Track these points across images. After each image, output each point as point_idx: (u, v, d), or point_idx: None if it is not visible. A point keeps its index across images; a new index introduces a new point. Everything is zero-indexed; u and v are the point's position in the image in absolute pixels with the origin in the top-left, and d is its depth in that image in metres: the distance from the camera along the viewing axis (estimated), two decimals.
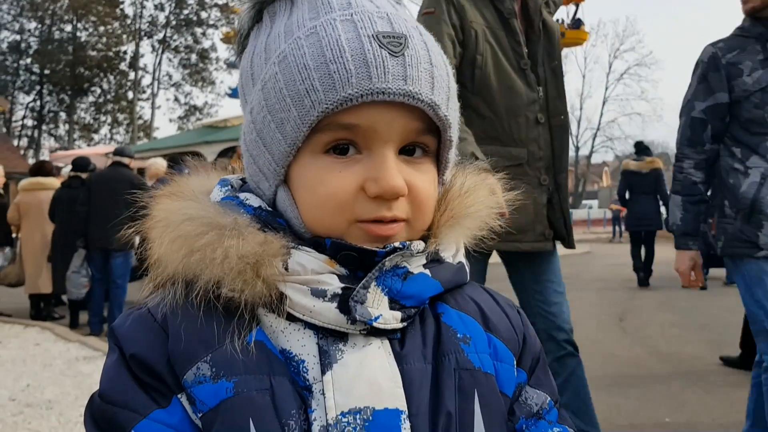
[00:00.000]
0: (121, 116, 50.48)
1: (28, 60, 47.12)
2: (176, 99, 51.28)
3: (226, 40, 43.61)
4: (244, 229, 0.81)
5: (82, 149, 32.68)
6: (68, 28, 47.36)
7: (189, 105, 50.82)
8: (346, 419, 0.75)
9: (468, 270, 0.94)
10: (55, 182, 8.85)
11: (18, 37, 46.68)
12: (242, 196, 0.87)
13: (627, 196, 10.83)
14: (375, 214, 0.80)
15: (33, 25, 47.03)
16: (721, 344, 6.39)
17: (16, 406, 4.57)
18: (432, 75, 0.80)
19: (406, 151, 0.83)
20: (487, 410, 0.83)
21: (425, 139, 0.84)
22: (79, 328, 7.81)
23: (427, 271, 0.85)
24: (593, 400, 2.85)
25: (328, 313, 0.79)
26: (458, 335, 0.86)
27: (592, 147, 56.08)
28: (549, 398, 0.93)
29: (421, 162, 0.84)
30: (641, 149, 10.69)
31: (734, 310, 8.08)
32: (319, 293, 0.79)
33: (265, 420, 0.75)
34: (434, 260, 0.87)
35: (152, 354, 0.80)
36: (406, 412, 0.78)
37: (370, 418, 0.76)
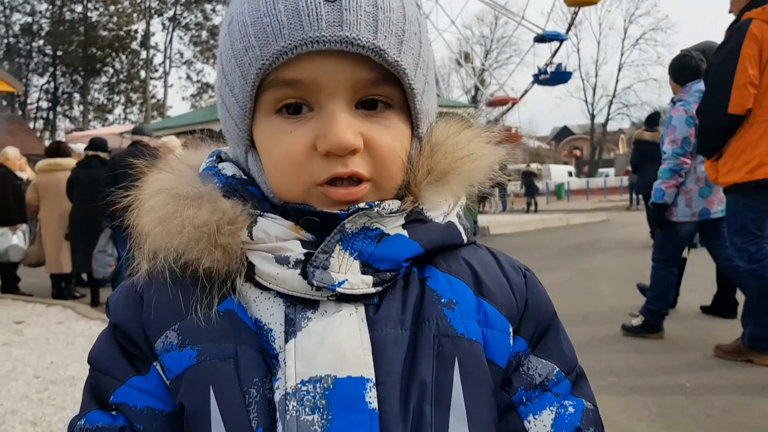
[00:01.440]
0: (134, 96, 50.64)
1: (41, 42, 47.28)
2: (188, 77, 51.35)
3: None
4: (204, 198, 0.80)
5: (97, 129, 32.83)
6: (79, 8, 47.36)
7: (201, 82, 50.82)
8: (305, 388, 0.74)
9: (465, 229, 0.88)
10: (73, 162, 8.89)
11: (30, 19, 46.80)
12: (220, 165, 0.87)
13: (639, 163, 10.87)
14: (330, 171, 0.76)
15: (44, 6, 47.14)
16: (740, 313, 6.34)
17: (41, 383, 4.64)
18: (375, 18, 0.74)
19: (368, 105, 0.79)
20: (469, 379, 0.78)
21: (383, 90, 0.78)
22: (99, 306, 7.90)
23: (405, 232, 0.80)
24: (613, 367, 2.83)
25: (292, 280, 0.77)
26: (442, 300, 0.82)
27: (608, 114, 55.55)
28: (558, 369, 0.87)
29: (384, 115, 0.80)
30: (653, 120, 10.81)
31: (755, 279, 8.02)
32: (282, 260, 0.77)
33: (225, 387, 0.75)
34: (417, 220, 0.82)
35: (131, 323, 0.83)
36: (373, 380, 0.75)
37: (331, 386, 0.74)
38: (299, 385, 0.74)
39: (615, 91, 54.73)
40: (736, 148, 4.25)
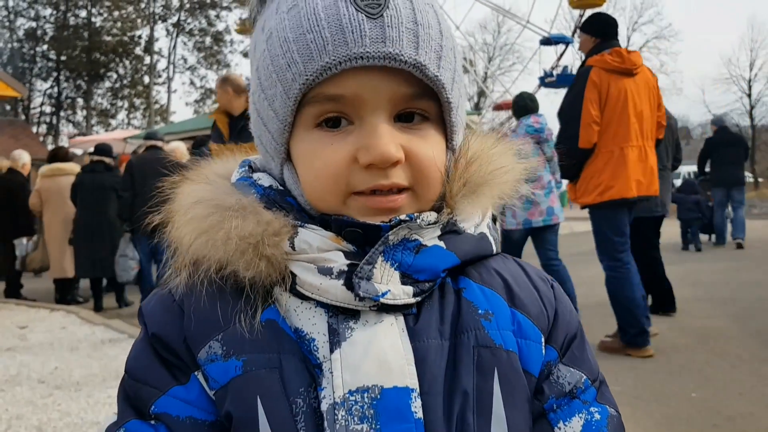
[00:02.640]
0: (137, 101, 50.69)
1: (45, 47, 47.34)
2: (192, 82, 51.33)
3: (240, 31, 43.63)
4: (247, 209, 0.81)
5: (100, 135, 32.87)
6: (83, 13, 47.47)
7: (204, 88, 50.86)
8: (353, 398, 0.75)
9: (495, 240, 0.90)
10: (75, 167, 8.93)
11: (34, 24, 46.90)
12: (256, 176, 0.87)
13: None
14: (371, 183, 0.78)
15: (48, 11, 47.23)
16: (746, 318, 6.34)
17: (45, 388, 4.64)
18: (416, 34, 0.76)
19: (404, 118, 0.80)
20: (508, 389, 0.80)
21: (421, 104, 0.80)
22: (103, 312, 7.91)
23: (442, 243, 0.82)
24: (619, 374, 2.83)
25: (335, 291, 0.78)
26: (479, 311, 0.83)
27: None
28: (585, 377, 0.89)
29: (422, 128, 0.81)
30: None
31: (760, 284, 8.02)
32: (325, 271, 0.78)
33: (272, 397, 0.76)
34: (451, 231, 0.83)
35: (171, 333, 0.83)
36: (417, 390, 0.76)
37: (379, 396, 0.75)
38: (347, 395, 0.75)
39: None
40: (586, 174, 5.14)
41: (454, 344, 0.81)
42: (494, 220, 0.92)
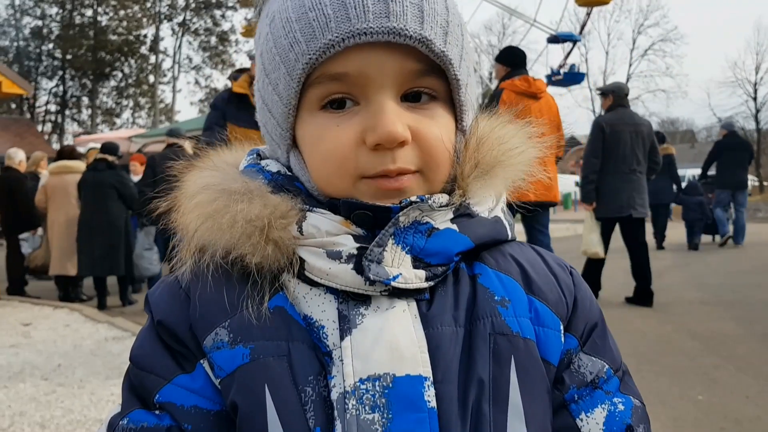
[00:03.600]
0: (142, 100, 50.83)
1: (50, 45, 47.50)
2: (197, 82, 51.58)
3: (246, 34, 43.70)
4: (254, 193, 0.79)
5: (105, 133, 32.95)
6: (89, 12, 47.60)
7: (209, 88, 50.97)
8: (364, 386, 0.73)
9: (510, 225, 0.88)
10: (82, 165, 8.94)
11: (40, 23, 47.07)
12: (263, 162, 0.86)
13: None
14: (379, 167, 0.76)
15: (54, 10, 47.37)
16: (751, 321, 6.31)
17: (48, 385, 4.63)
18: (421, 9, 0.74)
19: (411, 98, 0.78)
20: (526, 378, 0.78)
21: (428, 82, 0.78)
22: (107, 310, 7.91)
23: (454, 226, 0.79)
24: None
25: (345, 275, 0.76)
26: (496, 297, 0.81)
27: None
28: (607, 366, 0.86)
29: (430, 107, 0.79)
30: (658, 140, 12.42)
31: (766, 287, 7.99)
32: (334, 255, 0.76)
33: (281, 386, 0.74)
34: (464, 215, 0.81)
35: (176, 320, 0.81)
36: (431, 379, 0.74)
37: (390, 384, 0.73)
38: (358, 384, 0.73)
39: None
40: None
41: (469, 331, 0.78)
42: (509, 205, 0.90)
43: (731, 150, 12.73)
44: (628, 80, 51.91)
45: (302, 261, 0.78)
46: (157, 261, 7.78)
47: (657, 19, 57.30)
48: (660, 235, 13.31)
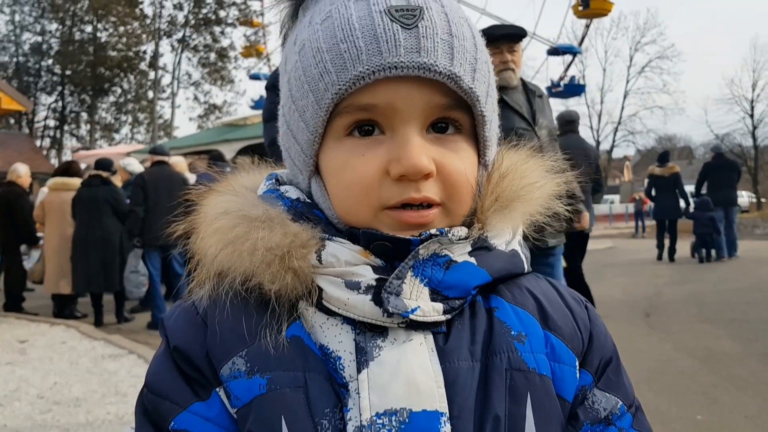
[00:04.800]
0: (141, 116, 50.91)
1: (50, 61, 47.63)
2: (196, 98, 51.50)
3: (246, 55, 43.94)
4: (275, 221, 0.79)
5: (104, 149, 32.96)
6: (89, 28, 47.78)
7: (208, 104, 51.06)
8: (381, 420, 0.72)
9: (526, 258, 0.88)
10: (78, 182, 8.95)
11: (39, 39, 47.22)
12: (283, 188, 0.86)
13: (653, 193, 14.20)
14: (402, 196, 0.76)
15: (54, 26, 47.55)
16: (750, 339, 6.29)
17: (44, 403, 4.60)
18: (451, 45, 0.75)
19: (438, 129, 0.79)
20: (541, 415, 0.77)
21: (455, 114, 0.79)
22: (103, 327, 7.87)
23: (473, 259, 0.79)
24: None
25: (363, 306, 0.75)
26: (512, 332, 0.80)
27: (614, 141, 55.57)
28: (621, 402, 0.85)
29: (454, 140, 0.79)
30: (664, 158, 14.29)
31: (765, 305, 7.97)
32: (353, 285, 0.76)
33: (297, 418, 0.73)
34: (482, 248, 0.81)
35: (193, 347, 0.80)
36: (447, 414, 0.73)
37: (407, 420, 0.72)
38: (374, 418, 0.72)
39: (620, 118, 54.76)
40: None
41: (485, 366, 0.78)
42: (525, 238, 0.90)
43: (719, 170, 14.12)
44: (625, 97, 52.20)
45: (320, 290, 0.77)
46: (143, 283, 7.73)
47: (654, 37, 57.57)
48: (671, 250, 14.38)
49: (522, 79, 4.06)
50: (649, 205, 19.97)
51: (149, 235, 7.72)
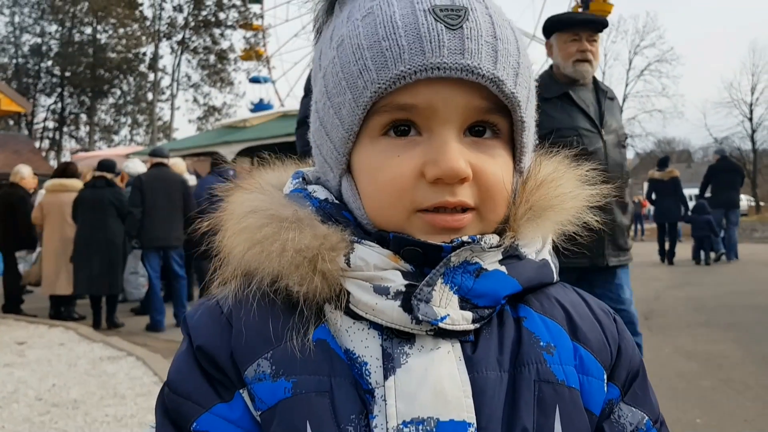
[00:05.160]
0: (140, 117, 50.91)
1: (49, 63, 47.65)
2: (195, 100, 51.48)
3: (245, 57, 43.91)
4: (304, 222, 0.77)
5: (103, 150, 32.95)
6: (88, 30, 47.78)
7: (208, 106, 51.03)
8: (407, 429, 0.71)
9: (555, 268, 0.86)
10: (78, 184, 8.93)
11: (39, 40, 47.24)
12: (310, 188, 0.84)
13: (653, 197, 14.52)
14: (436, 199, 0.74)
15: (54, 27, 47.56)
16: (749, 343, 6.29)
17: (42, 405, 4.59)
18: (495, 48, 0.73)
19: (475, 132, 0.77)
20: (570, 428, 0.75)
21: (493, 119, 0.77)
22: (101, 329, 7.86)
23: (503, 268, 0.78)
24: None
25: (391, 312, 0.74)
26: (541, 343, 0.78)
27: None
28: (647, 418, 0.84)
29: (491, 144, 0.78)
30: (664, 162, 14.75)
31: (764, 309, 7.97)
32: (381, 290, 0.74)
33: (323, 423, 0.72)
34: (513, 256, 0.79)
35: (217, 347, 0.78)
36: (475, 425, 0.72)
37: (434, 429, 0.71)
38: (401, 426, 0.71)
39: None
40: None
41: (513, 377, 0.76)
42: (554, 247, 0.89)
43: (723, 172, 14.24)
44: (624, 100, 52.18)
45: (347, 294, 0.76)
46: (142, 284, 7.73)
47: (653, 40, 57.62)
48: (671, 252, 14.60)
49: (594, 77, 3.76)
50: (648, 208, 20.87)
51: (147, 237, 7.72)
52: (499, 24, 0.76)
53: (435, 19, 0.72)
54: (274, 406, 0.74)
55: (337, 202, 0.82)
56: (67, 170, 9.31)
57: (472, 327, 0.75)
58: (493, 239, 0.78)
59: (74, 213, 8.24)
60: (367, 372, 0.74)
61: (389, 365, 0.74)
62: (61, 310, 8.78)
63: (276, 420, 0.73)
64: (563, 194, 0.84)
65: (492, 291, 0.76)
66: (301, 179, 0.87)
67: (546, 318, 0.81)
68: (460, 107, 0.74)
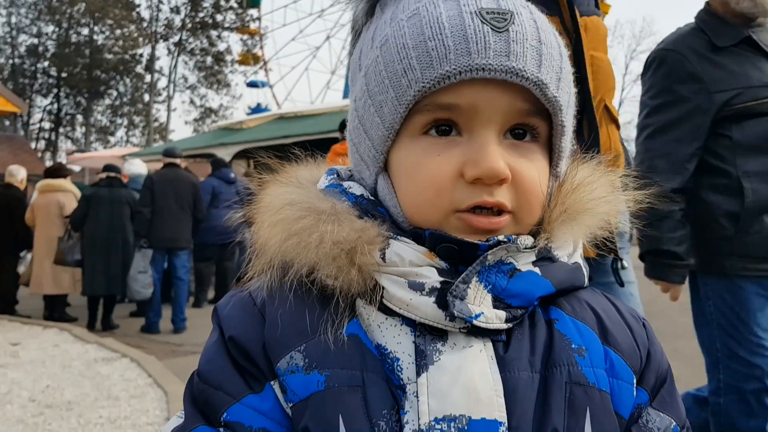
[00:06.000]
0: (137, 119, 50.81)
1: (46, 63, 47.54)
2: (192, 101, 51.39)
3: (242, 62, 43.90)
4: (342, 216, 0.78)
5: (99, 152, 32.90)
6: (85, 31, 47.71)
7: (204, 107, 50.99)
8: (439, 426, 0.71)
9: (586, 272, 0.86)
10: (66, 183, 8.94)
11: (36, 41, 47.15)
12: (346, 184, 0.85)
13: None
14: (474, 199, 0.75)
15: (50, 28, 47.46)
16: None
17: (36, 407, 4.57)
18: (540, 52, 0.74)
19: (515, 135, 0.78)
20: (599, 431, 0.76)
21: (533, 121, 0.78)
22: (96, 331, 7.84)
23: (537, 269, 0.79)
24: None
25: (426, 308, 0.74)
26: (573, 345, 0.79)
27: None
28: (675, 423, 0.85)
29: (530, 148, 0.79)
30: None
31: None
32: (416, 286, 0.75)
33: (355, 418, 0.72)
34: (546, 258, 0.80)
35: (249, 338, 0.79)
36: (506, 424, 0.72)
37: (466, 427, 0.71)
38: (433, 423, 0.71)
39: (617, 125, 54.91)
40: None
41: (544, 378, 0.77)
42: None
43: None
44: (620, 105, 52.28)
45: (379, 289, 0.76)
46: (150, 284, 7.71)
47: (650, 45, 57.75)
48: None
49: None
50: None
51: (155, 237, 7.71)
52: (543, 29, 0.77)
53: (482, 21, 0.73)
54: (306, 399, 0.74)
55: (372, 198, 0.82)
56: (56, 171, 9.30)
57: (504, 326, 0.76)
58: (528, 240, 0.79)
59: (82, 211, 8.11)
60: (398, 368, 0.75)
61: (422, 362, 0.74)
62: (54, 310, 8.74)
63: (308, 413, 0.73)
64: (598, 198, 0.85)
65: (525, 291, 0.77)
66: (335, 176, 0.87)
67: (577, 321, 0.82)
68: (502, 109, 0.75)
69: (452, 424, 0.71)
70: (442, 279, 0.75)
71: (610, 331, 0.83)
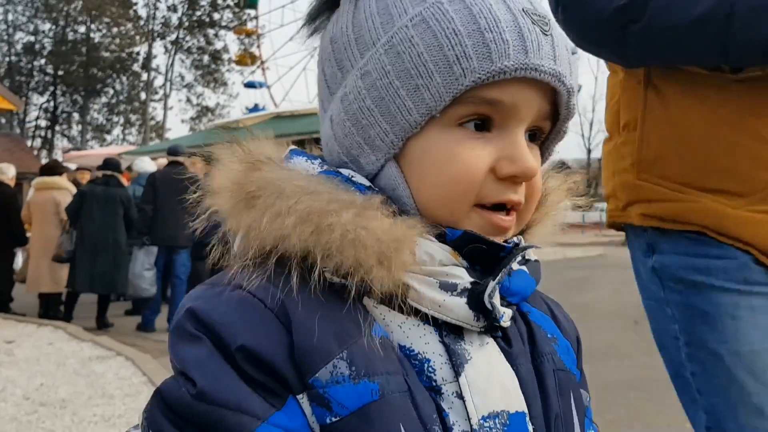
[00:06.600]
0: (133, 117, 50.89)
1: (42, 61, 47.59)
2: (188, 100, 51.46)
3: (239, 62, 43.90)
4: (368, 209, 0.71)
5: (95, 150, 32.86)
6: (82, 29, 47.76)
7: (201, 106, 51.08)
8: (487, 424, 0.71)
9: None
10: (62, 181, 8.92)
11: (32, 39, 47.17)
12: (345, 172, 0.77)
13: None
14: (501, 196, 0.75)
15: (47, 26, 47.52)
16: None
17: (30, 405, 4.56)
18: (569, 60, 0.76)
19: (529, 136, 0.79)
20: (580, 411, 0.83)
21: (546, 124, 0.80)
22: (92, 330, 7.82)
23: (524, 268, 0.81)
24: (610, 405, 2.79)
25: (459, 309, 0.72)
26: (548, 335, 0.85)
27: None
28: (589, 396, 0.92)
29: (535, 148, 0.80)
30: None
31: None
32: (448, 287, 0.72)
33: (413, 426, 0.68)
34: (526, 258, 0.82)
35: (268, 347, 0.67)
36: (528, 415, 0.75)
37: (507, 421, 0.73)
38: (481, 421, 0.71)
39: None
40: None
41: (536, 368, 0.81)
42: None
43: None
44: None
45: (407, 288, 0.72)
46: (154, 282, 7.71)
47: None
48: None
49: None
50: None
51: (156, 235, 7.70)
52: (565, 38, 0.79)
53: (532, 22, 0.73)
54: (359, 410, 0.67)
55: (376, 189, 0.77)
56: (52, 168, 9.28)
57: (509, 323, 0.78)
58: (522, 241, 0.81)
59: (76, 206, 8.07)
60: (430, 369, 0.72)
61: (457, 362, 0.73)
62: (49, 309, 8.73)
63: (362, 426, 0.67)
64: (557, 202, 0.89)
65: (522, 290, 0.79)
66: (320, 160, 0.81)
67: (542, 312, 0.88)
68: (534, 110, 0.76)
69: (497, 420, 0.72)
70: (472, 279, 0.73)
71: (560, 320, 0.90)
